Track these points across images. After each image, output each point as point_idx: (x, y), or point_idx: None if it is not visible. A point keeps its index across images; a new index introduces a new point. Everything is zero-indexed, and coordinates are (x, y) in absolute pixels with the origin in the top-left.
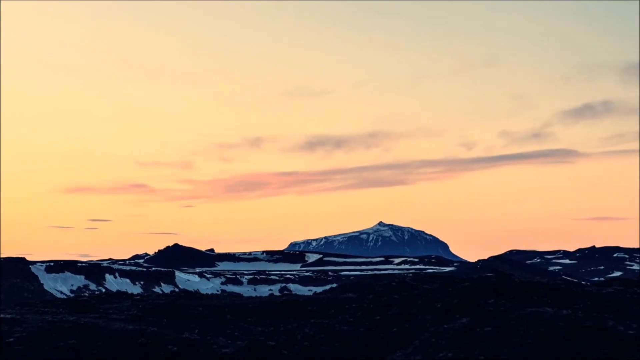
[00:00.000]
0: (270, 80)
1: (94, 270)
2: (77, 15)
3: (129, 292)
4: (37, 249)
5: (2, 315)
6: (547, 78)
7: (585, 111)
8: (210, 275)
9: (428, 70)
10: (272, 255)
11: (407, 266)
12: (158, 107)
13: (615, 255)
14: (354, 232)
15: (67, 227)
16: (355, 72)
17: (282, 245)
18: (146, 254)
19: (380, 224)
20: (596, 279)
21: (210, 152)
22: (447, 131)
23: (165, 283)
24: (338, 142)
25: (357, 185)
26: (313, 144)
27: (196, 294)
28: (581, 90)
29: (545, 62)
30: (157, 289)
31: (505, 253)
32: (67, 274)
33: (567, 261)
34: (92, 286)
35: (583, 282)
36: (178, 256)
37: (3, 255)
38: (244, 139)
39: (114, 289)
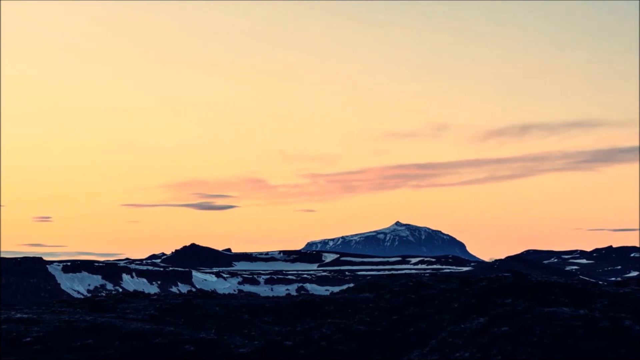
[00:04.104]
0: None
1: (111, 270)
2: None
3: (146, 291)
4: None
5: (19, 315)
6: None
7: None
8: (227, 275)
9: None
10: (289, 255)
11: (424, 266)
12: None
13: (632, 255)
14: (370, 231)
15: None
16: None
17: (299, 245)
18: (163, 254)
19: (397, 223)
20: (613, 278)
21: (363, 143)
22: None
23: (182, 283)
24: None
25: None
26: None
27: (213, 294)
28: None
29: None
30: (174, 289)
31: (522, 253)
32: (84, 273)
33: (584, 261)
34: (109, 286)
35: (600, 282)
36: (195, 256)
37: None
38: (426, 125)
39: (130, 289)
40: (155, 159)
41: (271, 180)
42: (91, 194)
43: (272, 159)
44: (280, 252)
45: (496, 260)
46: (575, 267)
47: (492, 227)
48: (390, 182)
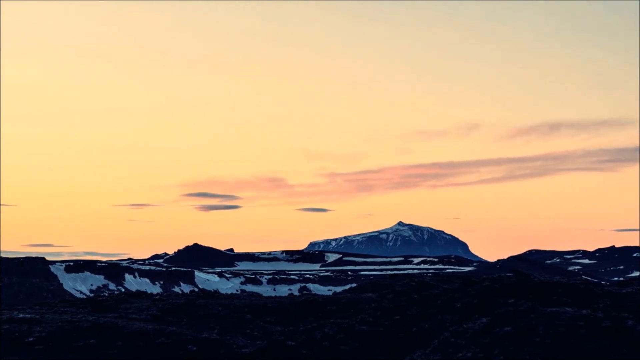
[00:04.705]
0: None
1: (113, 270)
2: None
3: (149, 291)
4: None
5: (21, 315)
6: None
7: None
8: (230, 275)
9: None
10: (292, 255)
11: (426, 266)
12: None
13: (634, 255)
14: (373, 231)
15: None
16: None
17: (301, 245)
18: (166, 254)
19: (400, 223)
20: (615, 278)
21: (389, 142)
22: None
23: (184, 283)
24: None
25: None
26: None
27: (215, 294)
28: None
29: None
30: (176, 289)
31: (524, 253)
32: (87, 273)
33: (586, 261)
34: (112, 286)
35: (602, 282)
36: (197, 256)
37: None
38: (456, 124)
39: (133, 289)
40: (171, 159)
41: (290, 180)
42: (96, 194)
43: (295, 158)
44: (282, 252)
45: (499, 260)
46: (578, 267)
47: (495, 227)
48: (408, 182)
